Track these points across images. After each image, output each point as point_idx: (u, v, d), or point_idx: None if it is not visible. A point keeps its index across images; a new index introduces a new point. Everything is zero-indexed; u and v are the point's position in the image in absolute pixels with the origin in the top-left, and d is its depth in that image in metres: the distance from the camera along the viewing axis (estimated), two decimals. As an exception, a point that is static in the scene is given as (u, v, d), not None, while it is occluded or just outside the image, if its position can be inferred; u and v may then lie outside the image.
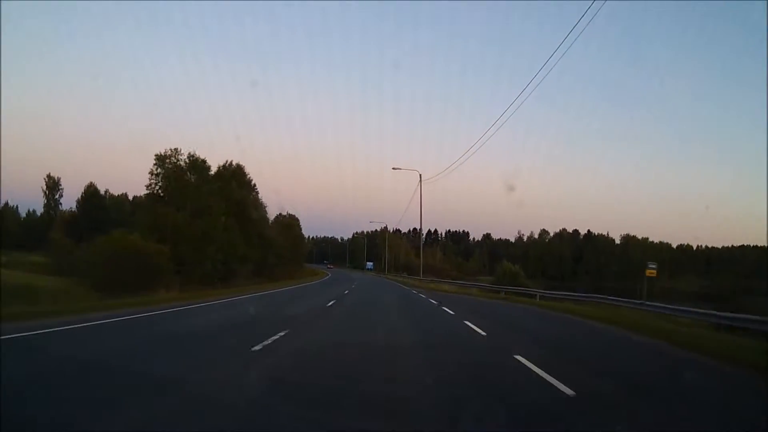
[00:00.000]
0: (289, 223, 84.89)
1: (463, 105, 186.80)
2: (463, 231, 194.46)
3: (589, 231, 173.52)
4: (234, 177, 59.44)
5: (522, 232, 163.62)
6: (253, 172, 56.25)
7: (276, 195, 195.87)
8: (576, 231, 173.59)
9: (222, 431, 4.86)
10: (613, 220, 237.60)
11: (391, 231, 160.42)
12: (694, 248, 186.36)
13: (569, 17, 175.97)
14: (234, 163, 61.81)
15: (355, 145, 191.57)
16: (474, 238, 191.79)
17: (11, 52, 79.30)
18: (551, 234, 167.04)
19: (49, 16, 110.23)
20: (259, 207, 60.44)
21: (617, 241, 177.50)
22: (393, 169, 46.44)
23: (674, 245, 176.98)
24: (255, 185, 64.06)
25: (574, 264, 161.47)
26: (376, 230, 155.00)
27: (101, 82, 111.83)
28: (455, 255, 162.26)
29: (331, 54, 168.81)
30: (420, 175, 44.25)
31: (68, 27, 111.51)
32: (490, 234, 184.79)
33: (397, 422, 5.37)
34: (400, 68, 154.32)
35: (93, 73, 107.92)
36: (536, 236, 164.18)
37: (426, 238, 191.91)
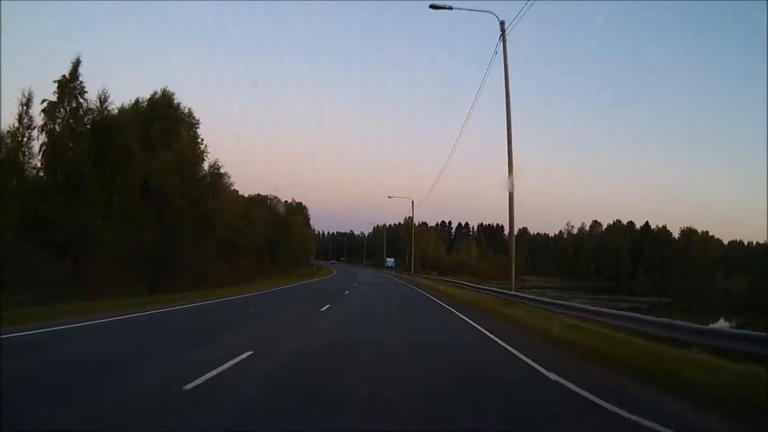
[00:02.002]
0: (268, 204, 58.90)
1: (462, 103, 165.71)
2: (498, 225, 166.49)
3: (647, 223, 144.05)
4: (154, 111, 34.22)
5: (572, 224, 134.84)
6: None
7: (278, 191, 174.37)
8: (631, 223, 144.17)
9: None
10: (659, 212, 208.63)
11: (417, 224, 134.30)
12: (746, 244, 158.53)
13: (569, 16, 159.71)
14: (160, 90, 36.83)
15: (360, 141, 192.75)
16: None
17: (11, 51, 66.30)
18: (604, 226, 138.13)
19: (49, 16, 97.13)
20: (194, 156, 35.00)
21: (674, 235, 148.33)
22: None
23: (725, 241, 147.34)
24: (198, 125, 39.00)
25: (633, 261, 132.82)
26: (399, 223, 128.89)
27: (98, 81, 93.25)
28: (493, 252, 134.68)
29: (331, 54, 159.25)
30: (501, 22, 17.37)
31: (68, 26, 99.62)
32: (527, 228, 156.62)
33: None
34: (401, 68, 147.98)
35: (92, 72, 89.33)
36: (587, 229, 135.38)
37: (457, 232, 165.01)
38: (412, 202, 53.58)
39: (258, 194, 57.25)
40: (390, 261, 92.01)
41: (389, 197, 56.57)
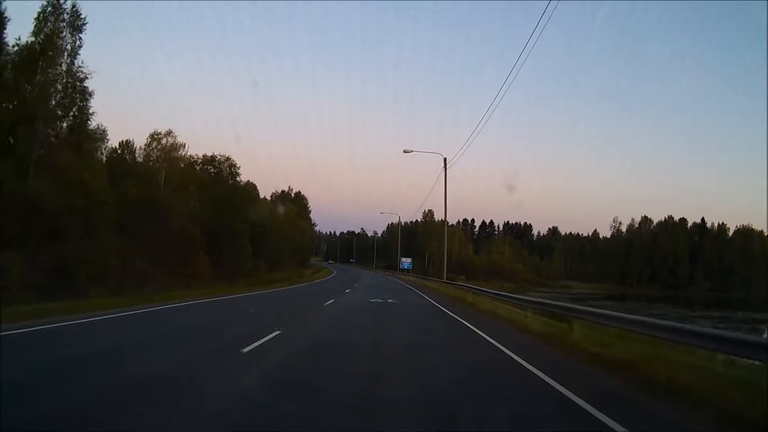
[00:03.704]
0: (216, 173, 37.93)
1: (462, 104, 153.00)
2: (525, 224, 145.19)
3: (702, 220, 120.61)
4: None
5: (619, 219, 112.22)
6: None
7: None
8: (683, 220, 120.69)
9: None
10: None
11: (439, 221, 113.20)
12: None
13: (569, 16, 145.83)
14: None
15: (361, 141, 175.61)
16: (539, 232, 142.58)
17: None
18: (654, 223, 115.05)
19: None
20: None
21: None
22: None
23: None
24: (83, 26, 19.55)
25: (692, 265, 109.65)
26: (416, 221, 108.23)
27: (100, 81, 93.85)
28: (528, 252, 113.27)
29: (331, 53, 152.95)
30: None
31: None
32: (557, 227, 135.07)
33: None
34: (400, 68, 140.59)
35: (90, 71, 78.89)
36: (636, 226, 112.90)
37: (480, 231, 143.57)
38: (444, 159, 32.06)
39: (204, 155, 36.46)
40: (406, 262, 70.68)
41: (405, 152, 34.34)
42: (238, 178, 36.37)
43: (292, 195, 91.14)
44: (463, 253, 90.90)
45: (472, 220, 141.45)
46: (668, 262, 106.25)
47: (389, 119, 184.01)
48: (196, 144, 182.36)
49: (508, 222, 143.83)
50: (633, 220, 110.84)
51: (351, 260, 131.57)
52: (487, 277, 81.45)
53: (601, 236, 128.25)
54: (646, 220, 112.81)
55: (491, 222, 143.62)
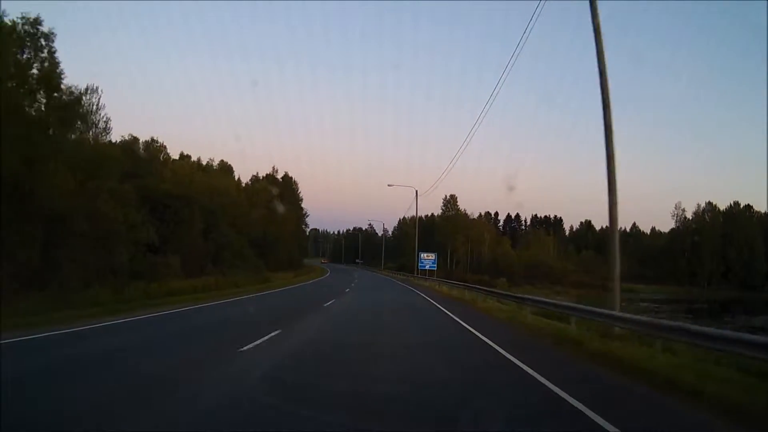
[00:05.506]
0: None
1: (461, 105, 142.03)
2: (556, 217, 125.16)
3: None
4: None
5: (682, 206, 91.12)
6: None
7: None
8: (748, 207, 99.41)
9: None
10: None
11: (463, 211, 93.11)
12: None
13: (569, 16, 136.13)
14: None
15: (363, 140, 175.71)
16: (572, 226, 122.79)
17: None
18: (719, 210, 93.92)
19: (49, 16, 79.09)
20: None
21: None
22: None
23: None
24: None
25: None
26: (432, 214, 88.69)
27: (99, 81, 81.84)
28: (573, 249, 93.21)
29: (331, 54, 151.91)
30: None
31: (68, 26, 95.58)
32: (590, 221, 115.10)
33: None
34: (400, 68, 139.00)
35: (91, 72, 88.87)
36: (699, 213, 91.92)
37: (506, 225, 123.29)
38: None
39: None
40: (428, 260, 49.85)
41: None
42: (58, 69, 16.33)
43: (280, 179, 71.46)
44: (498, 249, 70.72)
45: (496, 214, 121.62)
46: (744, 257, 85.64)
47: (390, 117, 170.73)
48: (197, 144, 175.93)
49: (536, 215, 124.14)
50: (698, 206, 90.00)
51: (357, 261, 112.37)
52: (530, 280, 61.56)
53: (641, 230, 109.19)
54: (711, 206, 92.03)
55: (517, 215, 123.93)
